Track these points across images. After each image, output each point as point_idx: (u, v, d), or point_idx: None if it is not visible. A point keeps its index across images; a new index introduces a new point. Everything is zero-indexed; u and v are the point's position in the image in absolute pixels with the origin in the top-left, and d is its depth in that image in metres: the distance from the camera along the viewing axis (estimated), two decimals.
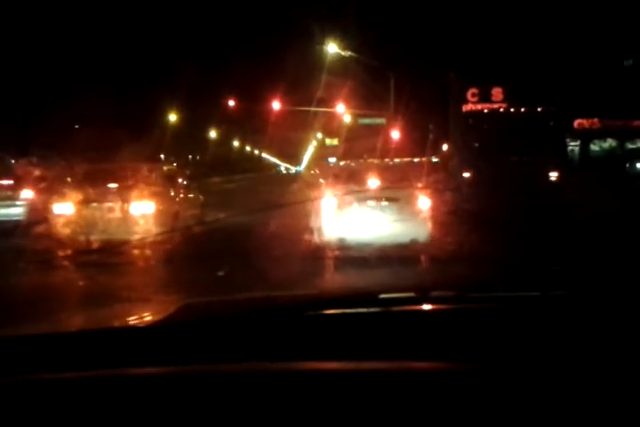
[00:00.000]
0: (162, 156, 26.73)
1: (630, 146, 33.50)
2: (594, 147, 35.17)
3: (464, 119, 36.44)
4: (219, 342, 1.32)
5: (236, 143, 55.95)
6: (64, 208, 9.28)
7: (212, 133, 46.94)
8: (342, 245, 8.63)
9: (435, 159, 29.01)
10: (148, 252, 8.24)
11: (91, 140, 21.56)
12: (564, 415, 1.01)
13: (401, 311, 1.53)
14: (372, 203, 9.06)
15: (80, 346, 1.31)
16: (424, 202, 9.34)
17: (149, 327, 1.49)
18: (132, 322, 1.60)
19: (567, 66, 29.25)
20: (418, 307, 1.57)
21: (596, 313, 1.45)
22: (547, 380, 1.11)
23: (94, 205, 9.33)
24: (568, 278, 2.57)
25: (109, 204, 9.35)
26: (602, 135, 34.60)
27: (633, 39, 27.66)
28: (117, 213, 9.17)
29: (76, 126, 31.37)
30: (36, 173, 13.25)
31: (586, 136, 34.76)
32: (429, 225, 8.96)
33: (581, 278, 2.49)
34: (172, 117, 38.66)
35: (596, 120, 33.75)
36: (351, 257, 8.21)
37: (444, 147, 35.90)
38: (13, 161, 15.67)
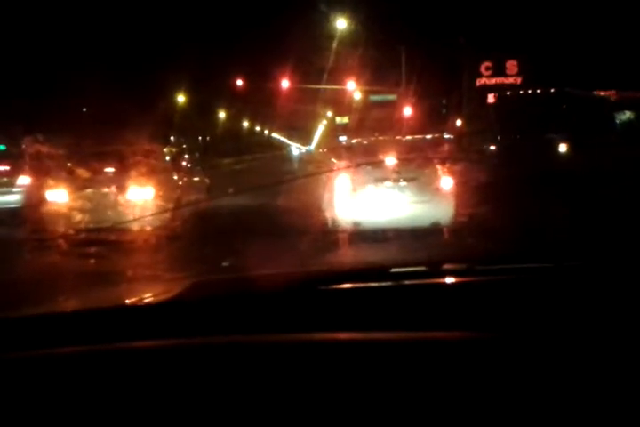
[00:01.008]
0: (172, 137, 26.19)
1: None
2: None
3: (478, 93, 35.54)
4: (230, 319, 1.32)
5: (245, 123, 55.29)
6: (57, 195, 8.76)
7: (222, 114, 46.30)
8: (357, 228, 8.05)
9: (447, 135, 28.30)
10: (143, 239, 7.72)
11: (98, 122, 21.07)
12: (575, 385, 1.01)
13: (413, 285, 1.54)
14: (389, 183, 8.41)
15: (88, 323, 1.33)
16: (443, 180, 8.67)
17: (159, 304, 1.49)
18: (140, 300, 1.60)
19: (582, 35, 28.15)
20: (430, 280, 1.57)
21: (610, 284, 1.45)
22: (560, 349, 1.11)
23: (89, 191, 8.78)
24: (582, 250, 2.47)
25: (105, 189, 8.81)
26: (619, 108, 33.57)
27: None
28: (113, 200, 8.62)
29: (84, 109, 30.94)
30: (42, 150, 12.72)
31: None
32: (450, 204, 8.30)
33: (595, 250, 2.35)
34: (181, 98, 38.11)
35: (613, 92, 32.69)
36: (367, 239, 7.70)
37: (458, 122, 35.10)
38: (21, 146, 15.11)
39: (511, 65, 34.87)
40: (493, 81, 35.34)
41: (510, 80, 35.14)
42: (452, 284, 1.54)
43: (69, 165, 9.76)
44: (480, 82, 35.56)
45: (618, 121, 34.05)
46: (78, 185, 8.90)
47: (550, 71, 30.78)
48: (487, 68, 35.21)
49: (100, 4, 27.77)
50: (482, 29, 29.10)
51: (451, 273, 1.61)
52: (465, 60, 34.79)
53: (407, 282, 1.55)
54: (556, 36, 28.59)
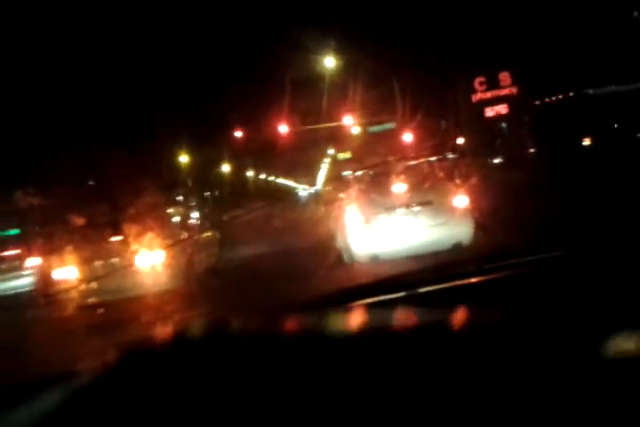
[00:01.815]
0: (180, 196, 26.26)
1: None
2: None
3: (475, 109, 35.54)
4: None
5: (250, 173, 55.74)
6: (66, 272, 8.54)
7: (226, 167, 46.76)
8: (375, 260, 7.71)
9: (451, 155, 28.15)
10: (161, 307, 7.45)
11: (103, 193, 21.15)
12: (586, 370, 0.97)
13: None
14: (402, 210, 8.08)
15: None
16: (456, 199, 8.34)
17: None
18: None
19: (568, 38, 28.17)
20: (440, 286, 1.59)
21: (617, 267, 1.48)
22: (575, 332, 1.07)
23: (97, 263, 8.56)
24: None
25: (114, 259, 8.58)
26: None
27: None
28: (123, 269, 8.38)
29: (90, 183, 31.27)
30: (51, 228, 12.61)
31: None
32: (472, 222, 7.94)
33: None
34: (184, 159, 38.51)
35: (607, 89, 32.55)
36: (386, 270, 7.34)
37: (460, 140, 34.99)
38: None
39: (504, 77, 34.89)
40: (489, 95, 35.34)
41: (506, 91, 35.13)
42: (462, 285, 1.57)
43: (75, 238, 9.60)
44: (476, 97, 35.57)
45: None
46: (86, 258, 8.70)
47: (543, 78, 30.77)
48: (481, 83, 35.26)
49: (94, 75, 28.28)
50: (471, 45, 29.24)
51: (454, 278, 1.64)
52: (458, 77, 34.93)
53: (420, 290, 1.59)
54: (542, 43, 28.65)
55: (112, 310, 7.75)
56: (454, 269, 1.80)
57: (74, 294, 8.35)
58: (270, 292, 5.82)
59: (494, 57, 31.29)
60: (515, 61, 32.69)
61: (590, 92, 27.29)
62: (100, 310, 7.91)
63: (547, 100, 32.91)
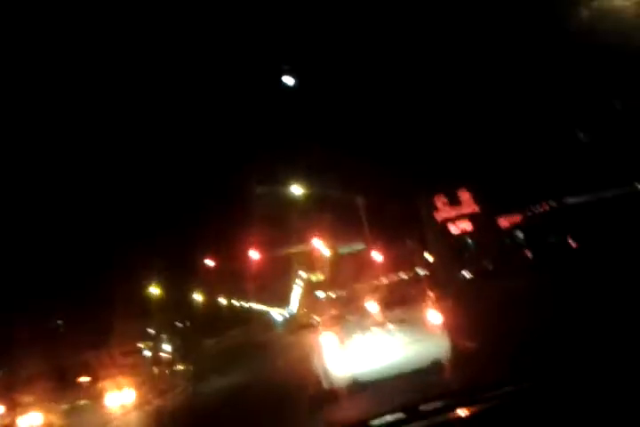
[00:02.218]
0: (152, 330, 25.57)
1: None
2: None
3: (439, 227, 36.53)
4: None
5: (223, 300, 54.96)
6: (32, 419, 8.03)
7: (198, 296, 46.09)
8: (359, 384, 7.47)
9: (421, 271, 28.54)
10: None
11: (69, 336, 20.54)
12: None
13: None
14: (377, 329, 8.00)
15: None
16: (430, 315, 8.32)
17: None
18: None
19: (519, 153, 29.93)
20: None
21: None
22: None
23: (65, 406, 8.12)
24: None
25: (82, 401, 8.17)
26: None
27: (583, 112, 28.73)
28: (91, 410, 7.95)
29: (59, 322, 30.36)
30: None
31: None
32: (448, 337, 7.86)
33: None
34: (155, 291, 37.94)
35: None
36: (364, 391, 7.12)
37: (428, 257, 35.54)
38: None
39: (464, 194, 36.33)
40: (452, 213, 36.52)
41: (467, 209, 36.39)
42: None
43: (39, 380, 9.15)
44: (441, 217, 36.65)
45: None
46: (52, 403, 8.25)
47: (500, 192, 32.18)
48: (443, 203, 36.55)
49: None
50: (430, 165, 30.67)
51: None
52: (420, 197, 36.27)
53: None
54: (497, 156, 30.26)
55: None
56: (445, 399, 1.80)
57: None
58: None
59: (454, 176, 32.78)
60: (474, 180, 34.26)
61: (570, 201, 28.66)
62: None
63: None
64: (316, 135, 28.34)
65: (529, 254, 26.73)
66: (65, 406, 8.17)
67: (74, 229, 28.02)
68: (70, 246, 27.87)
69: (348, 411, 6.75)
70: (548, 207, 32.12)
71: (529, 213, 29.57)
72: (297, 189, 27.76)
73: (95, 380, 8.61)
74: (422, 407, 1.75)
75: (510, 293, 15.04)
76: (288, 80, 20.56)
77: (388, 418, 1.74)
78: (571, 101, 26.98)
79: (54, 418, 8.08)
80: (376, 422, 1.73)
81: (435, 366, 7.42)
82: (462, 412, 1.62)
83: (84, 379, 8.86)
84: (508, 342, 7.52)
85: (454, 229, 36.55)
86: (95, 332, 14.87)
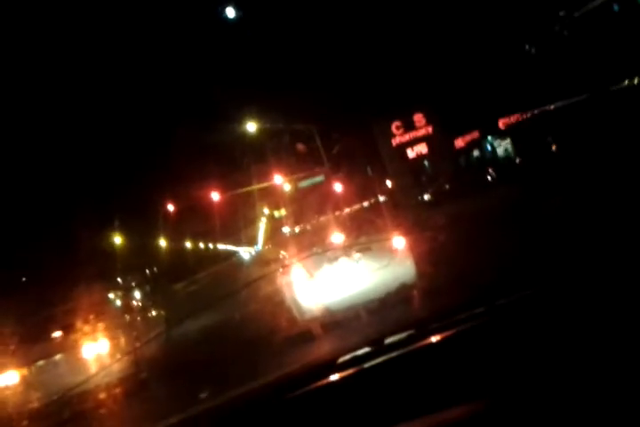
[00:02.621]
0: (119, 279, 25.51)
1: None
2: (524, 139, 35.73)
3: (397, 152, 36.70)
4: None
5: (188, 243, 55.01)
6: (7, 378, 8.01)
7: (163, 242, 45.95)
8: (329, 312, 7.63)
9: (382, 197, 28.83)
10: (114, 396, 7.07)
11: (37, 288, 20.32)
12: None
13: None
14: (343, 259, 8.10)
15: None
16: (394, 240, 8.44)
17: None
18: None
19: (472, 71, 29.80)
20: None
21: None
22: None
23: (40, 363, 8.11)
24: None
25: (57, 356, 8.15)
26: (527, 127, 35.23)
27: (531, 26, 28.54)
28: (67, 364, 7.96)
29: (23, 279, 30.12)
30: None
31: (513, 132, 35.34)
32: (412, 262, 8.02)
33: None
34: (118, 240, 37.59)
35: (516, 115, 34.39)
36: (339, 321, 7.28)
37: (388, 183, 35.86)
38: None
39: (418, 118, 36.37)
40: (407, 137, 36.65)
41: (422, 132, 36.55)
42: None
43: (12, 340, 9.08)
44: (396, 141, 36.80)
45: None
46: (26, 360, 8.22)
47: (455, 113, 32.26)
48: (397, 127, 36.58)
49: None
50: (384, 92, 30.42)
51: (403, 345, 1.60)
52: (376, 124, 36.16)
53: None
54: (448, 77, 30.14)
55: (60, 410, 7.28)
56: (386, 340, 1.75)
57: (16, 400, 7.86)
58: (221, 375, 5.64)
59: (407, 101, 32.65)
60: (426, 102, 34.19)
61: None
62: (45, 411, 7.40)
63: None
64: (267, 68, 27.64)
65: (491, 171, 27.09)
66: (40, 362, 8.14)
67: (35, 179, 27.33)
68: (30, 198, 27.27)
69: (320, 348, 6.91)
70: (527, 115, 32.32)
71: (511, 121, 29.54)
72: (252, 126, 27.20)
73: (68, 333, 8.56)
74: (388, 340, 1.73)
75: (467, 211, 15.36)
76: (231, 12, 19.66)
77: (355, 354, 1.72)
78: (516, 17, 26.77)
79: (31, 374, 8.08)
80: (342, 359, 1.70)
81: (402, 291, 7.59)
82: (429, 340, 1.60)
83: (56, 333, 8.80)
84: (472, 261, 7.72)
85: (410, 152, 36.86)
86: (62, 286, 14.73)
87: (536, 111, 32.69)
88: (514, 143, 35.60)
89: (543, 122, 26.09)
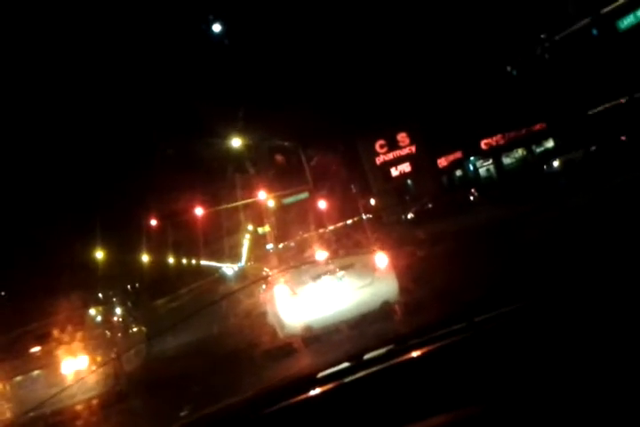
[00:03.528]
0: (100, 295, 25.15)
1: (538, 149, 34.55)
2: (507, 160, 36.12)
3: (381, 171, 36.96)
4: None
5: (171, 260, 54.62)
6: None
7: (145, 257, 45.56)
8: (309, 330, 7.63)
9: (365, 215, 28.91)
10: (95, 416, 6.99)
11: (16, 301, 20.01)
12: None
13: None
14: (327, 276, 8.12)
15: None
16: (378, 258, 8.48)
17: None
18: None
19: (455, 92, 30.21)
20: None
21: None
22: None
23: (18, 379, 7.99)
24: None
25: (35, 372, 8.03)
26: (509, 148, 35.68)
27: (512, 49, 29.06)
28: (46, 380, 7.84)
29: (2, 293, 29.71)
30: None
31: (495, 153, 35.75)
32: (395, 281, 8.06)
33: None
34: (99, 255, 37.20)
35: (499, 136, 34.83)
36: (321, 338, 7.28)
37: (372, 201, 36.02)
38: None
39: (402, 137, 36.74)
40: (391, 156, 36.97)
41: (406, 151, 36.89)
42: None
43: None
44: (379, 160, 37.09)
45: (512, 160, 36.21)
46: (4, 375, 8.09)
47: (438, 132, 32.62)
48: (382, 146, 36.90)
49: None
50: (368, 110, 30.70)
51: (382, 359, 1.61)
52: (360, 143, 36.46)
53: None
54: (434, 98, 30.50)
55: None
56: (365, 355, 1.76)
57: None
58: (203, 392, 5.62)
59: (391, 120, 32.99)
60: (410, 122, 34.56)
61: None
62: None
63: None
64: (253, 85, 27.76)
65: (474, 191, 27.30)
66: (18, 378, 8.02)
67: (15, 190, 27.04)
68: (11, 213, 26.96)
69: (300, 363, 6.91)
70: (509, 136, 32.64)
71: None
72: (236, 142, 27.23)
73: (47, 349, 8.45)
74: (368, 355, 1.74)
75: (449, 230, 15.46)
76: (217, 28, 19.84)
77: (334, 369, 1.72)
78: (499, 40, 27.26)
79: (7, 390, 7.95)
80: (322, 373, 1.71)
81: (385, 309, 7.63)
82: (409, 355, 1.63)
83: (34, 349, 8.68)
84: (452, 279, 7.78)
85: (394, 171, 37.16)
86: (42, 301, 14.53)
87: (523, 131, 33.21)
88: (495, 164, 36.04)
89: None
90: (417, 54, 28.44)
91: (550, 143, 33.55)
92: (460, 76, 29.51)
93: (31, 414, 7.44)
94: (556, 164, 25.72)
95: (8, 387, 7.97)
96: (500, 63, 30.00)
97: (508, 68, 30.23)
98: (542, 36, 28.96)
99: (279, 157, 29.18)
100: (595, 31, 27.49)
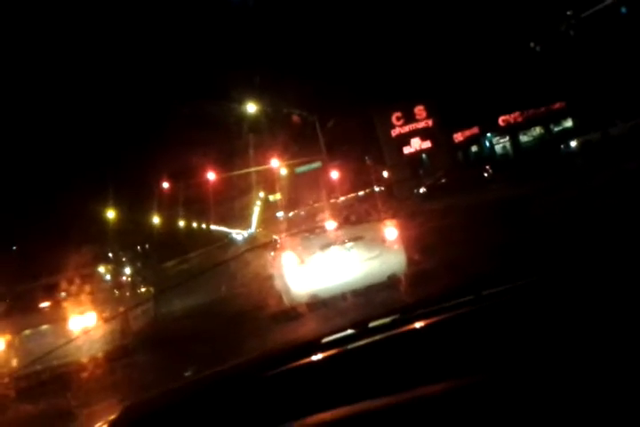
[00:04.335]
0: (110, 254, 25.46)
1: (556, 129, 34.10)
2: (524, 138, 35.70)
3: (396, 143, 36.64)
4: None
5: (181, 223, 54.98)
6: None
7: (156, 219, 45.86)
8: (314, 299, 7.71)
9: (378, 188, 28.83)
10: (101, 370, 7.14)
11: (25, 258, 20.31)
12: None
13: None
14: (335, 246, 8.15)
15: None
16: (387, 231, 8.48)
17: None
18: None
19: (476, 67, 29.70)
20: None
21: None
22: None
23: (26, 332, 8.15)
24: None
25: (43, 326, 8.19)
26: (527, 126, 35.22)
27: (537, 25, 28.42)
28: (54, 335, 8.00)
29: (14, 248, 30.11)
30: None
31: (513, 130, 35.31)
32: (403, 254, 8.08)
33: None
34: (111, 214, 37.50)
35: (517, 113, 34.35)
36: (326, 308, 7.36)
37: (385, 173, 35.85)
38: None
39: (419, 110, 36.29)
40: (407, 129, 36.60)
41: (422, 124, 36.50)
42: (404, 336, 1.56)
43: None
44: (395, 132, 36.74)
45: (529, 138, 35.76)
46: (13, 329, 8.25)
47: (456, 107, 32.18)
48: (398, 118, 36.50)
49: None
50: (386, 82, 30.31)
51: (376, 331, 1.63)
52: (376, 114, 36.06)
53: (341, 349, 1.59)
54: (453, 72, 30.04)
55: (48, 379, 7.37)
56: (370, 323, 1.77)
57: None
58: (207, 354, 5.69)
59: (409, 92, 32.55)
60: (428, 95, 34.09)
61: None
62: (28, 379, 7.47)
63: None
64: (272, 53, 27.45)
65: (488, 168, 27.08)
66: (27, 332, 8.19)
67: (28, 152, 27.18)
68: (24, 170, 27.13)
69: (305, 328, 6.99)
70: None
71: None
72: (252, 108, 27.05)
73: (56, 304, 8.60)
74: (372, 323, 1.74)
75: (461, 205, 15.41)
76: None
77: (338, 335, 1.74)
78: (523, 15, 26.64)
79: (17, 343, 8.13)
80: (326, 339, 1.72)
81: (392, 282, 7.67)
82: (413, 325, 1.63)
83: (44, 304, 8.84)
84: (462, 253, 7.79)
85: (409, 144, 36.86)
86: (53, 256, 14.74)
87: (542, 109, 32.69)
88: (512, 141, 35.66)
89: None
90: (439, 28, 27.91)
91: (569, 123, 33.09)
92: (482, 50, 28.96)
93: (38, 366, 7.64)
94: (573, 144, 25.43)
95: (17, 340, 8.14)
96: (523, 38, 29.35)
97: (531, 44, 29.58)
98: (568, 12, 28.23)
99: (296, 119, 28.86)
100: (623, 9, 26.76)
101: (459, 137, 36.52)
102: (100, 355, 7.66)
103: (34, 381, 7.46)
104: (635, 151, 14.92)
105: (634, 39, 24.65)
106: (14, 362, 8.00)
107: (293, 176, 34.20)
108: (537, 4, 26.35)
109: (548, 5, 26.85)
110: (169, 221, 48.43)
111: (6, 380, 7.27)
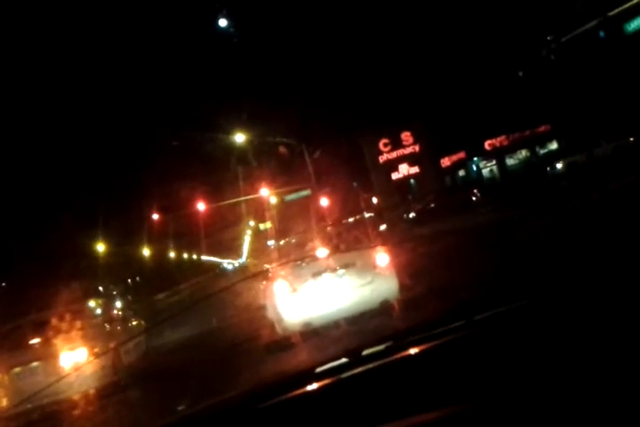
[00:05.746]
0: (100, 288, 25.22)
1: (542, 151, 34.49)
2: (511, 161, 36.05)
3: (384, 170, 36.93)
4: None
5: (172, 254, 54.70)
6: None
7: (146, 251, 45.60)
8: (307, 328, 7.65)
9: (367, 214, 28.90)
10: (93, 407, 7.02)
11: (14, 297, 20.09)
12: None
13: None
14: (327, 274, 8.12)
15: None
16: (379, 257, 8.47)
17: None
18: None
19: (460, 92, 30.15)
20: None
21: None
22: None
23: (16, 370, 8.00)
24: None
25: (34, 364, 8.05)
26: (513, 149, 35.62)
27: (519, 50, 28.98)
28: (45, 372, 7.86)
29: (3, 284, 29.84)
30: None
31: (499, 154, 35.68)
32: (395, 279, 8.06)
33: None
34: (101, 248, 37.21)
35: (502, 137, 34.77)
36: (319, 336, 7.30)
37: (374, 200, 36.00)
38: None
39: (406, 136, 36.70)
40: (394, 155, 36.93)
41: (409, 150, 36.85)
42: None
43: None
44: (383, 158, 37.06)
45: (515, 161, 36.11)
46: (2, 367, 8.11)
47: (443, 132, 32.57)
48: (385, 145, 36.86)
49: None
50: (372, 108, 30.68)
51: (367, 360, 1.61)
52: (364, 141, 36.42)
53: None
54: (439, 97, 30.46)
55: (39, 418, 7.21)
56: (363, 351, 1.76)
57: None
58: (201, 388, 5.62)
59: (396, 119, 32.96)
60: (415, 121, 34.51)
61: None
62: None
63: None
64: (257, 83, 27.77)
65: (476, 192, 27.29)
66: (17, 369, 8.04)
67: (16, 187, 27.09)
68: (12, 205, 26.99)
69: (299, 358, 6.93)
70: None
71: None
72: (240, 138, 27.23)
73: (46, 341, 8.47)
74: (366, 351, 1.74)
75: (451, 230, 15.47)
76: (224, 23, 19.84)
77: (332, 364, 1.72)
78: (505, 41, 27.20)
79: (6, 381, 7.97)
80: (320, 369, 1.71)
81: (384, 308, 7.63)
82: (407, 352, 1.63)
83: (34, 340, 8.70)
84: (452, 278, 7.78)
85: (397, 170, 37.16)
86: (43, 293, 14.58)
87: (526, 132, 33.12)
88: (499, 165, 36.00)
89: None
90: (423, 54, 28.39)
91: (554, 145, 33.48)
92: (466, 76, 29.44)
93: (29, 405, 7.48)
94: (559, 166, 25.71)
95: (7, 378, 8.00)
96: (505, 64, 29.92)
97: (514, 69, 30.14)
98: (548, 37, 28.87)
99: (283, 150, 29.08)
100: (602, 33, 27.40)
101: (446, 162, 36.86)
102: (91, 392, 7.53)
103: (24, 421, 7.30)
104: (618, 172, 15.12)
105: (612, 61, 25.19)
106: (4, 401, 7.85)
107: (283, 205, 34.27)
108: (517, 30, 26.92)
109: (529, 31, 27.46)
110: (159, 253, 48.17)
111: None
